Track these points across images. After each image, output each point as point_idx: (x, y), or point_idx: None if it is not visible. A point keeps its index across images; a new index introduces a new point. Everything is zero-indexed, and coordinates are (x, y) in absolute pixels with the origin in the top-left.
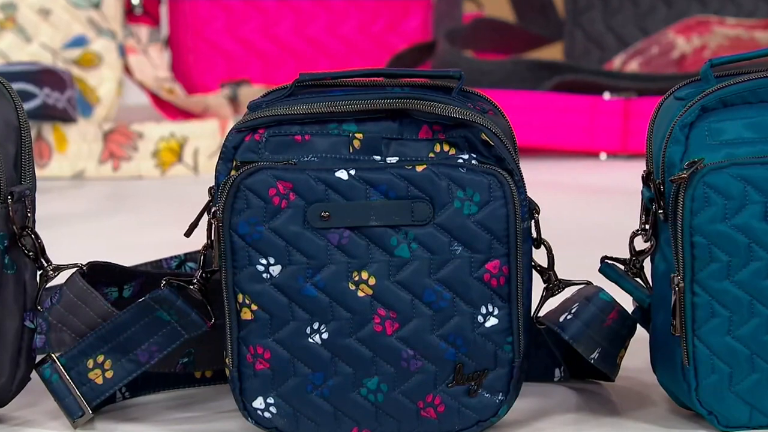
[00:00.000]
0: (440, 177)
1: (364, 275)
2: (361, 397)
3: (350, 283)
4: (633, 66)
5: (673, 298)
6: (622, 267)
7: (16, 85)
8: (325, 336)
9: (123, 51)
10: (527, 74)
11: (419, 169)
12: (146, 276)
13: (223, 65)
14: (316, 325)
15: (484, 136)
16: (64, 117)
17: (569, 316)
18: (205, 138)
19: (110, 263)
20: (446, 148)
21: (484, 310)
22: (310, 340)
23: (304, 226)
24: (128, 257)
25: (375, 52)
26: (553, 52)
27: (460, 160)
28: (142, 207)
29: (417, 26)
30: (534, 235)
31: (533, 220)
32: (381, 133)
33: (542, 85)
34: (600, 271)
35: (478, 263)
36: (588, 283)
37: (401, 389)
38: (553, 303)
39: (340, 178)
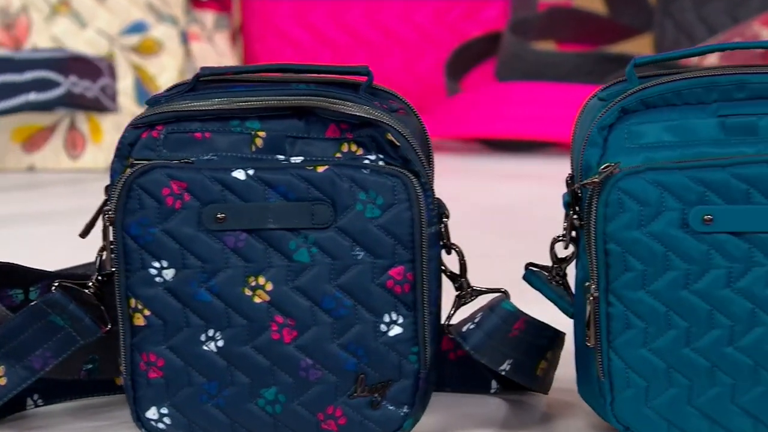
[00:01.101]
0: (342, 178)
1: (261, 280)
2: (258, 408)
3: (246, 289)
4: (712, 59)
5: (588, 308)
6: (547, 274)
7: (37, 73)
8: (220, 344)
9: (185, 38)
10: (593, 67)
11: (320, 169)
12: (54, 278)
13: (291, 54)
14: (211, 332)
15: (389, 136)
16: (96, 106)
17: (472, 326)
18: None
19: (14, 264)
20: (354, 148)
21: (387, 319)
22: (205, 348)
23: (199, 228)
24: None
25: (450, 41)
26: (642, 44)
27: (367, 161)
28: None
29: (496, 15)
30: (444, 240)
31: (442, 225)
32: (285, 132)
33: (606, 80)
34: (524, 278)
35: (381, 269)
36: (503, 291)
37: (300, 400)
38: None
39: (236, 178)
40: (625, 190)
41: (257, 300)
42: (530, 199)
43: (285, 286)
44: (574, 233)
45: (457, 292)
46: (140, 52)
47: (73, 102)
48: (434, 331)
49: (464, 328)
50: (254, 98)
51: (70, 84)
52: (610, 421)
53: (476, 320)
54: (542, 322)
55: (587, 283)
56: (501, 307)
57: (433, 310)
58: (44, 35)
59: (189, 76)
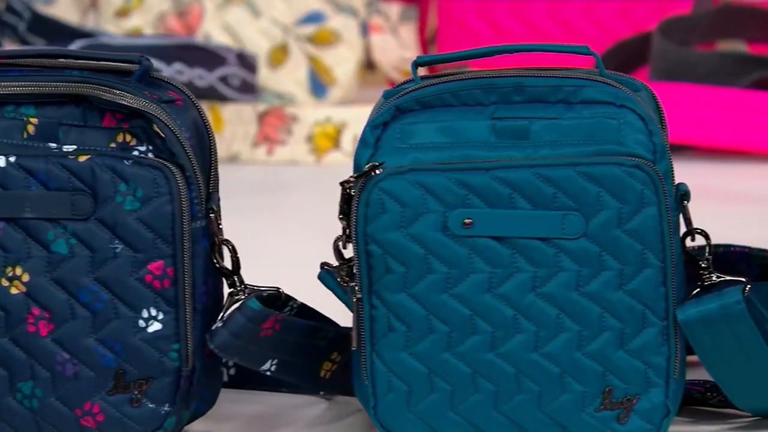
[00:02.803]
0: (103, 169)
1: (18, 271)
2: (16, 403)
3: (3, 279)
4: None
5: (353, 309)
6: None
7: None
8: None
9: (365, 29)
10: (734, 68)
11: (81, 159)
12: None
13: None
14: None
15: (155, 128)
16: (209, 95)
17: (219, 324)
18: None
19: None
20: (128, 138)
21: (146, 314)
22: None
23: None
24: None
25: None
26: None
27: (136, 152)
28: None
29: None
30: (213, 235)
31: (207, 220)
32: (61, 119)
33: (739, 82)
34: (318, 277)
35: (140, 263)
36: (276, 290)
37: (58, 395)
38: None
39: None
40: (386, 191)
41: (14, 291)
42: None
43: (42, 278)
44: None
45: (230, 290)
46: (316, 43)
47: None
48: (201, 329)
49: (213, 327)
50: (23, 83)
51: (174, 72)
52: (376, 425)
53: (224, 319)
54: (310, 323)
55: (352, 284)
56: (247, 306)
57: (199, 306)
58: (216, 23)
59: (368, 69)
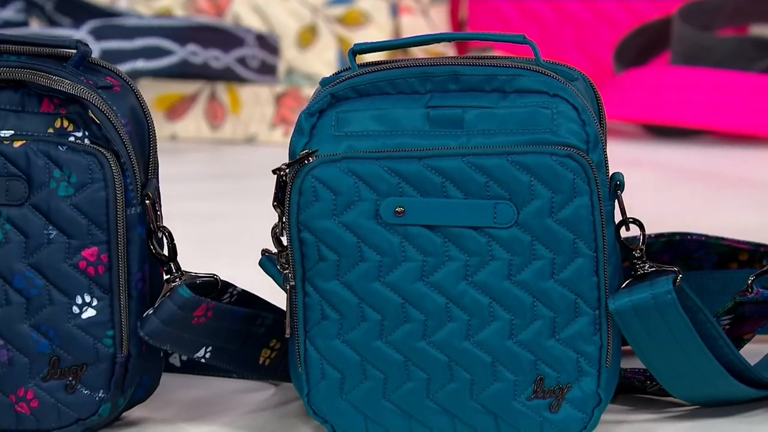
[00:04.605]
0: (37, 155)
1: None
2: None
3: None
4: None
5: (286, 297)
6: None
7: (148, 41)
8: None
9: (396, 10)
10: (752, 53)
11: (17, 144)
12: None
13: (500, 30)
14: None
15: (91, 114)
16: (227, 76)
17: (150, 312)
18: None
19: None
20: (66, 123)
21: (79, 300)
22: None
23: None
24: None
25: None
26: None
27: (73, 138)
28: None
29: None
30: (151, 222)
31: (143, 207)
32: None
33: (756, 66)
34: (259, 264)
35: (74, 249)
36: (212, 276)
37: None
38: None
39: None
40: (319, 179)
41: None
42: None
43: None
44: None
45: (167, 276)
46: (345, 24)
47: (190, 71)
48: (137, 315)
49: (145, 314)
50: None
51: (187, 53)
52: (309, 413)
53: (155, 306)
54: (247, 310)
55: (285, 272)
56: (177, 294)
57: (135, 293)
58: (246, 4)
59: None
